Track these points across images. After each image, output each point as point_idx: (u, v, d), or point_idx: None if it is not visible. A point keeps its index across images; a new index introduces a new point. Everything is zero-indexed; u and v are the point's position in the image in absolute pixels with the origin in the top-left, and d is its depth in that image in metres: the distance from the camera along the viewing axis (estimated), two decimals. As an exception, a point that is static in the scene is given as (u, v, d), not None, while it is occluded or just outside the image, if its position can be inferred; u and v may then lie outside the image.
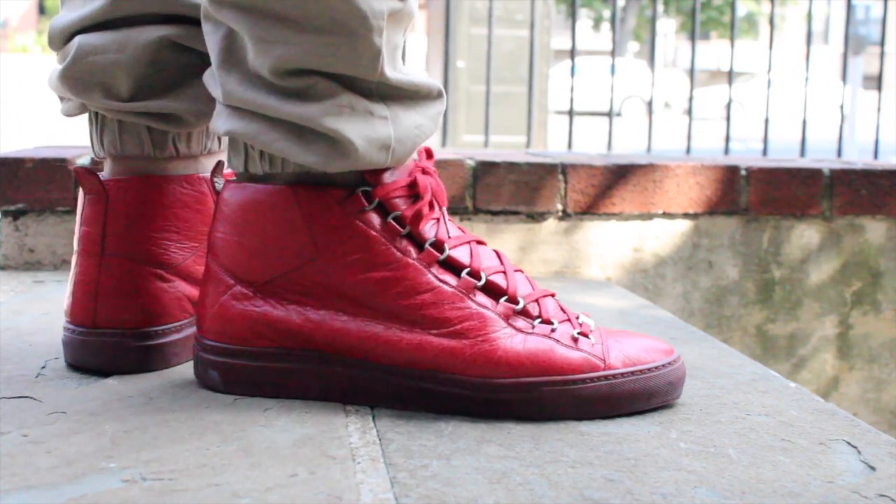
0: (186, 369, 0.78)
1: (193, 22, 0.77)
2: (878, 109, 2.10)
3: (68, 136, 3.93)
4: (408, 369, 0.70)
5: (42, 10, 22.02)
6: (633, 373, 0.71)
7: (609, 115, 1.97)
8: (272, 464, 0.59)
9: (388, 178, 0.71)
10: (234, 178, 0.75)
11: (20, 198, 1.27)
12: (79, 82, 0.77)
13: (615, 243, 1.40)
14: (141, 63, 0.76)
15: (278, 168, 0.72)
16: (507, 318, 0.71)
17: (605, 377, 0.71)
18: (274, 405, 0.71)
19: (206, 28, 0.72)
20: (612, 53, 2.02)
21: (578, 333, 0.72)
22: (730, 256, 1.43)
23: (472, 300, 0.71)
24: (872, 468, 0.62)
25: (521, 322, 0.71)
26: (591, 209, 1.38)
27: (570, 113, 2.00)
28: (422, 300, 0.70)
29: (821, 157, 1.90)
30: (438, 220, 0.73)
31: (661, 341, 0.75)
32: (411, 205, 0.71)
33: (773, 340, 1.46)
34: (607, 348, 0.72)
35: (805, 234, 1.44)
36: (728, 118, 2.03)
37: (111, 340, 0.77)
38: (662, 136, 3.21)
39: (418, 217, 0.71)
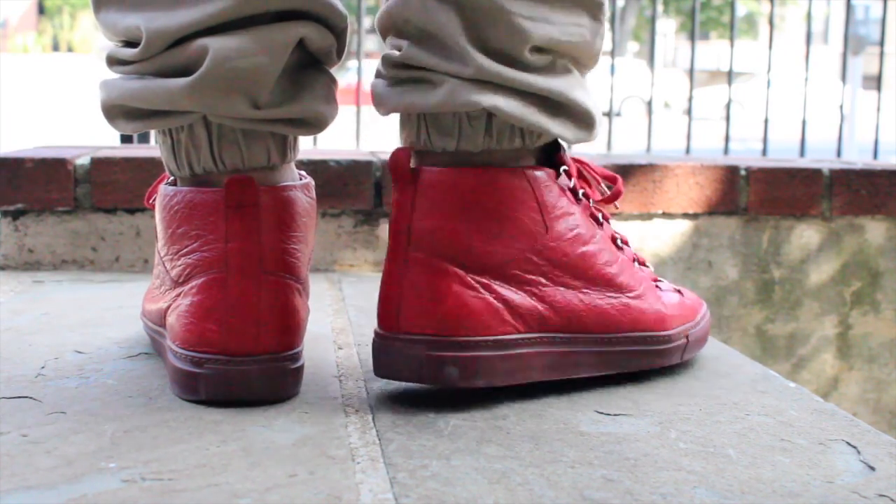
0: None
1: (316, 19, 0.72)
2: (878, 109, 2.10)
3: (68, 136, 3.93)
4: (614, 334, 0.75)
5: (42, 10, 22.01)
6: None
7: (609, 115, 1.97)
8: (272, 464, 0.59)
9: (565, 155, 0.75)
10: (415, 159, 0.72)
11: (20, 198, 1.27)
12: (217, 91, 0.68)
13: (615, 243, 1.40)
14: (280, 65, 0.69)
15: (504, 144, 0.71)
16: (653, 280, 0.81)
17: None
18: (273, 405, 0.70)
19: (430, 4, 0.69)
20: (612, 53, 2.02)
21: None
22: (729, 256, 1.43)
23: (637, 266, 0.79)
24: (872, 468, 0.62)
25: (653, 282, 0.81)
26: (590, 209, 1.38)
27: (570, 113, 2.00)
28: (619, 268, 0.76)
29: (821, 157, 1.90)
30: None
31: None
32: (579, 180, 0.76)
33: (773, 340, 1.46)
34: None
35: (805, 235, 1.44)
36: (728, 118, 2.03)
37: (274, 366, 0.70)
38: (662, 136, 3.20)
39: (586, 192, 0.77)
